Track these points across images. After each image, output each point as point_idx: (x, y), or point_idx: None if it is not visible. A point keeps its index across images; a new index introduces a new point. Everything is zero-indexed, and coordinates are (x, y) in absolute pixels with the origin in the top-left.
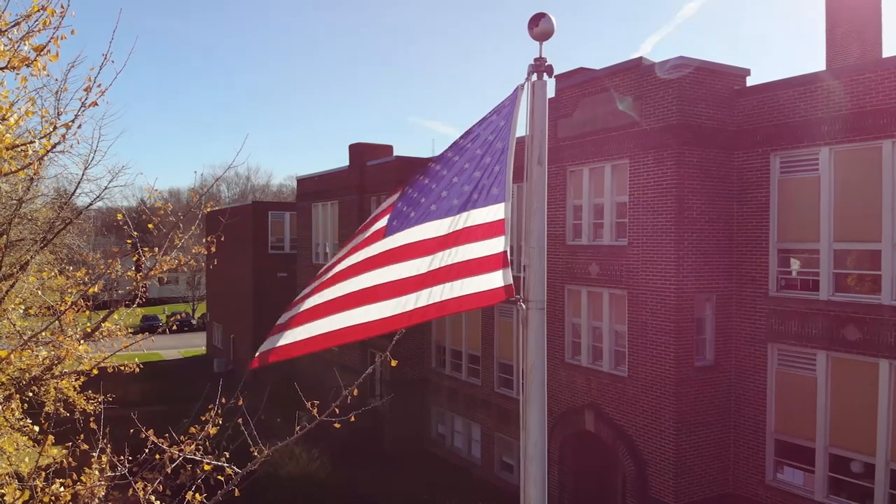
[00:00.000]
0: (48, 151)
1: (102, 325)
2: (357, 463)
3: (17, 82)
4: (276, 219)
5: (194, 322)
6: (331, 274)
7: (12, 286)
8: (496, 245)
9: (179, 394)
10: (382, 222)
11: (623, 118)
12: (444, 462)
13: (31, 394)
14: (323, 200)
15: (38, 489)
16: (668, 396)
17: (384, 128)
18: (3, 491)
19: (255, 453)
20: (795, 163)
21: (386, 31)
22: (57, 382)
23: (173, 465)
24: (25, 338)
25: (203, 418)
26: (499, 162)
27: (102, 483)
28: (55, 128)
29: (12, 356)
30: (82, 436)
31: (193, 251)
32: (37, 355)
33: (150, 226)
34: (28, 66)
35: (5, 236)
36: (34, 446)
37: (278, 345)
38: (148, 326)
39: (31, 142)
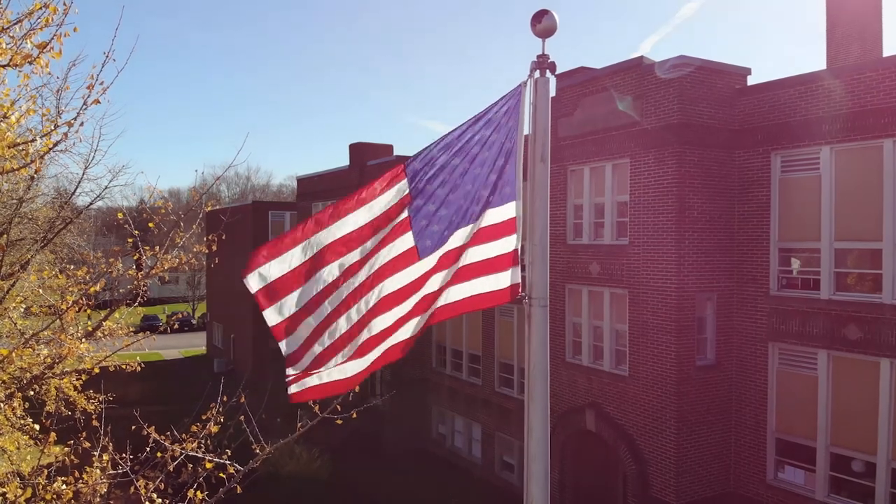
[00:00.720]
0: (49, 150)
1: (103, 324)
2: (357, 462)
3: (19, 80)
4: (276, 219)
5: (194, 322)
6: (358, 297)
7: (13, 285)
8: (507, 244)
9: (180, 393)
10: (409, 241)
11: (624, 117)
12: (445, 462)
13: (32, 392)
14: (323, 200)
15: (40, 487)
16: (669, 396)
17: (384, 128)
18: (4, 489)
19: (257, 451)
20: (796, 162)
21: (386, 31)
22: (58, 381)
23: (175, 464)
24: (26, 337)
25: (204, 417)
26: (509, 161)
27: (104, 481)
28: (56, 126)
29: (13, 355)
30: (84, 434)
31: (194, 250)
32: (38, 354)
33: (150, 225)
34: (31, 63)
35: (6, 235)
36: (35, 445)
37: (326, 381)
38: (148, 326)
39: (32, 140)
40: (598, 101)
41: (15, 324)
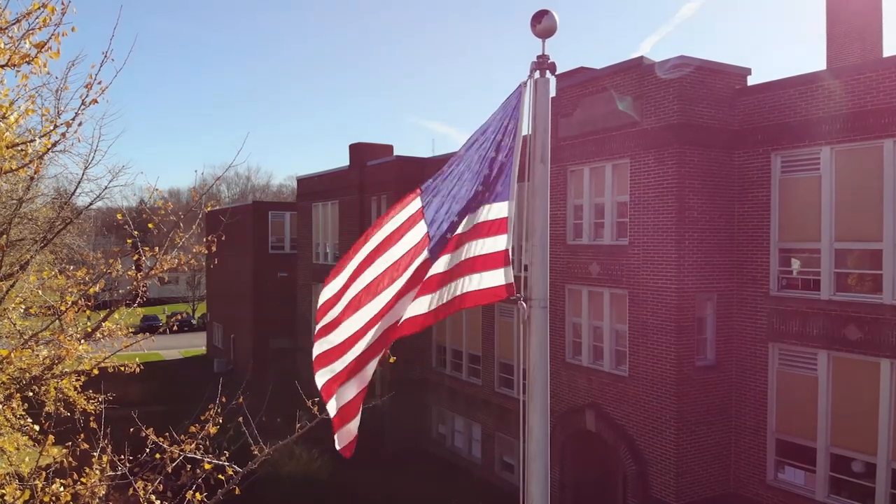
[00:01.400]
0: (48, 150)
1: (103, 324)
2: (357, 463)
3: (18, 80)
4: (276, 219)
5: (194, 322)
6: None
7: (12, 286)
8: (498, 243)
9: (179, 394)
10: (424, 254)
11: (624, 117)
12: (445, 462)
13: (31, 393)
14: (323, 200)
15: (38, 489)
16: (669, 396)
17: (384, 128)
18: (3, 491)
19: (256, 452)
20: (796, 162)
21: (386, 31)
22: (57, 382)
23: (174, 465)
24: (26, 337)
25: (203, 418)
26: (504, 160)
27: (103, 483)
28: (55, 126)
29: (13, 355)
30: (83, 435)
31: (194, 251)
32: (37, 355)
33: (150, 225)
34: (29, 63)
35: (5, 236)
36: (35, 446)
37: (351, 397)
38: (148, 326)
39: (32, 140)
40: (598, 102)
41: (14, 325)
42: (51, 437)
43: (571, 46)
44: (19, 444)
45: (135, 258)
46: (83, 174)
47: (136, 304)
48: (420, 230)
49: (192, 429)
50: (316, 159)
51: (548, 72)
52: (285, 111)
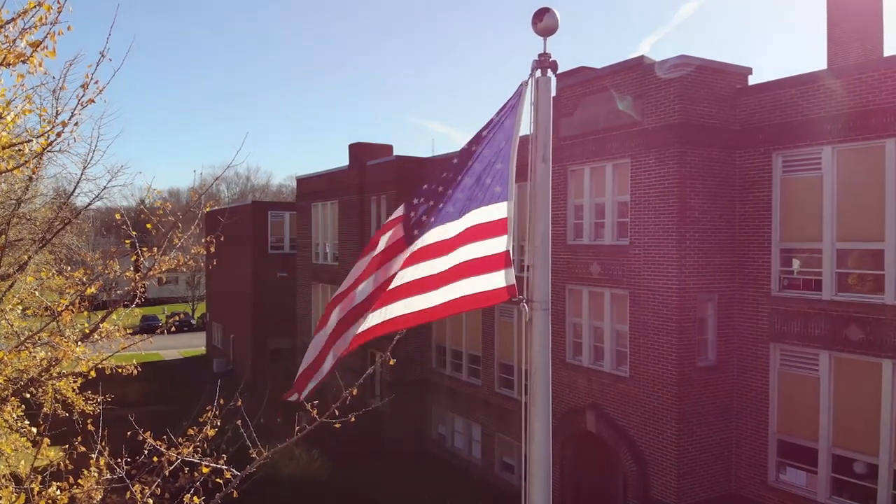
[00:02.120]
0: (44, 149)
1: (101, 325)
2: (357, 464)
3: (14, 80)
4: (275, 219)
5: (194, 322)
6: (354, 288)
7: (10, 286)
8: (498, 244)
9: (179, 394)
10: (400, 232)
11: (624, 117)
12: (445, 462)
13: (28, 395)
14: (323, 200)
15: (35, 492)
16: (669, 397)
17: (384, 128)
18: None
19: (255, 455)
20: (798, 162)
21: (386, 31)
22: (55, 383)
23: (171, 468)
24: (23, 338)
25: (201, 420)
26: (501, 161)
27: (100, 486)
28: (53, 126)
29: (9, 357)
30: (80, 437)
31: (193, 251)
32: (34, 356)
33: (148, 226)
34: (24, 62)
35: (4, 236)
36: (32, 448)
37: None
38: (147, 327)
39: (29, 140)
40: (598, 101)
41: (12, 325)
42: (46, 440)
43: (569, 46)
44: (17, 446)
45: (133, 258)
46: (82, 174)
47: (134, 305)
48: (399, 232)
49: (190, 431)
50: (315, 159)
51: (549, 70)
52: (285, 110)
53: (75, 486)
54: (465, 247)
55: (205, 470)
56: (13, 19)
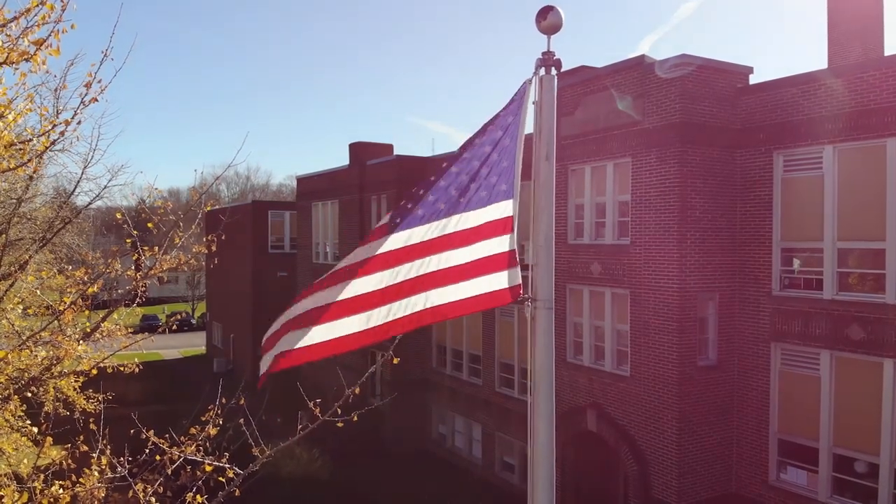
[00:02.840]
0: (47, 149)
1: (102, 324)
2: (358, 463)
3: (16, 78)
4: (275, 218)
5: (194, 321)
6: (333, 271)
7: (11, 286)
8: (502, 244)
9: (179, 393)
10: (385, 219)
11: (625, 117)
12: (445, 462)
13: (30, 394)
14: (323, 199)
15: (38, 491)
16: (670, 396)
17: (384, 128)
18: (1, 493)
19: (257, 453)
20: (799, 161)
21: (386, 31)
22: (56, 382)
23: (174, 466)
24: (24, 338)
25: (203, 419)
26: (506, 158)
27: (102, 485)
28: (54, 125)
29: (11, 356)
30: (82, 436)
31: (193, 250)
32: (36, 355)
33: (149, 225)
34: (27, 60)
35: (4, 235)
36: (33, 447)
37: (288, 349)
38: (148, 326)
39: (30, 140)
40: (599, 100)
41: (13, 325)
42: (49, 438)
43: (568, 45)
44: (18, 445)
45: (134, 258)
46: (82, 173)
47: (135, 304)
48: (383, 219)
49: (193, 430)
50: (316, 158)
51: (553, 69)
52: (285, 110)
53: (78, 485)
54: (469, 247)
55: (208, 468)
56: (16, 18)
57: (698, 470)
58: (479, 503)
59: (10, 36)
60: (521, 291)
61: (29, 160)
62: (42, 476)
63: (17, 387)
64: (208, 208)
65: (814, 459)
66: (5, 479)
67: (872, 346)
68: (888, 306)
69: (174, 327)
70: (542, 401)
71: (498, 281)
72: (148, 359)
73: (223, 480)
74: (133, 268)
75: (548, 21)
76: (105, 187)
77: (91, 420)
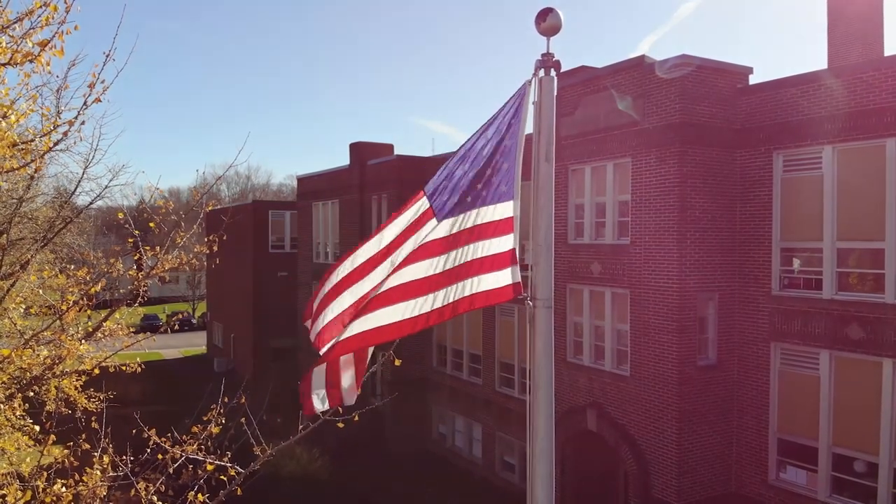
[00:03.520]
0: (49, 149)
1: (103, 324)
2: (358, 463)
3: (19, 79)
4: (276, 218)
5: (195, 321)
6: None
7: (13, 285)
8: (504, 243)
9: (180, 393)
10: (405, 226)
11: (625, 117)
12: (446, 462)
13: (32, 393)
14: (323, 199)
15: (40, 489)
16: (670, 396)
17: (384, 128)
18: (4, 491)
19: (258, 453)
20: (798, 161)
21: (386, 32)
22: (58, 382)
23: (175, 465)
24: (26, 337)
25: (205, 418)
26: (507, 159)
27: (104, 483)
28: (56, 126)
29: (13, 355)
30: (84, 435)
31: (195, 250)
32: (38, 354)
33: (151, 225)
34: (31, 61)
35: (6, 235)
36: (35, 446)
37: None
38: (149, 326)
39: (32, 140)
40: (599, 101)
41: (15, 324)
42: (51, 436)
43: (568, 46)
44: (20, 444)
45: (135, 258)
46: (83, 173)
47: (136, 304)
48: (403, 226)
49: (195, 429)
50: (316, 158)
51: (552, 70)
52: (285, 110)
53: (80, 484)
54: (471, 245)
55: (210, 467)
56: (19, 19)
57: (698, 469)
58: (480, 503)
59: (13, 37)
60: (522, 289)
61: (32, 160)
62: (44, 475)
63: (19, 386)
64: (209, 208)
65: (813, 459)
66: (8, 478)
67: (872, 346)
68: (887, 306)
69: (175, 327)
70: (542, 400)
71: (500, 278)
72: (149, 358)
73: (224, 479)
74: (134, 267)
75: (547, 23)
76: (106, 187)
77: (93, 419)
